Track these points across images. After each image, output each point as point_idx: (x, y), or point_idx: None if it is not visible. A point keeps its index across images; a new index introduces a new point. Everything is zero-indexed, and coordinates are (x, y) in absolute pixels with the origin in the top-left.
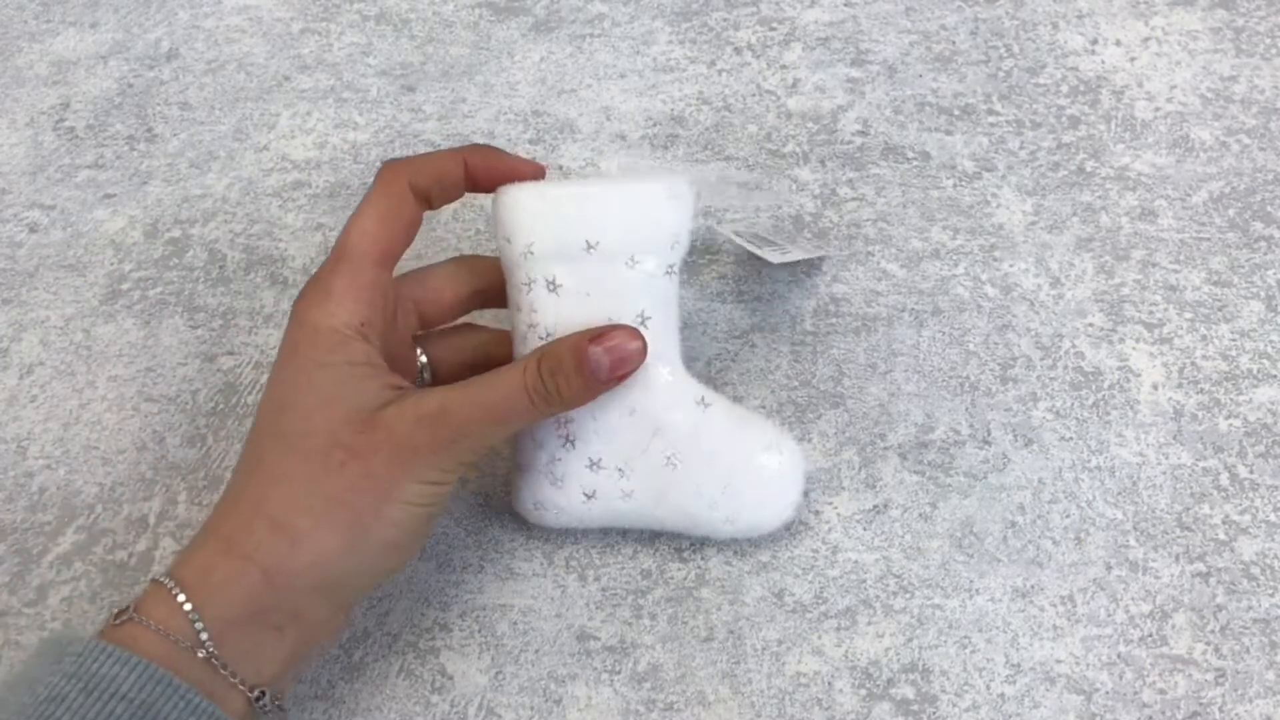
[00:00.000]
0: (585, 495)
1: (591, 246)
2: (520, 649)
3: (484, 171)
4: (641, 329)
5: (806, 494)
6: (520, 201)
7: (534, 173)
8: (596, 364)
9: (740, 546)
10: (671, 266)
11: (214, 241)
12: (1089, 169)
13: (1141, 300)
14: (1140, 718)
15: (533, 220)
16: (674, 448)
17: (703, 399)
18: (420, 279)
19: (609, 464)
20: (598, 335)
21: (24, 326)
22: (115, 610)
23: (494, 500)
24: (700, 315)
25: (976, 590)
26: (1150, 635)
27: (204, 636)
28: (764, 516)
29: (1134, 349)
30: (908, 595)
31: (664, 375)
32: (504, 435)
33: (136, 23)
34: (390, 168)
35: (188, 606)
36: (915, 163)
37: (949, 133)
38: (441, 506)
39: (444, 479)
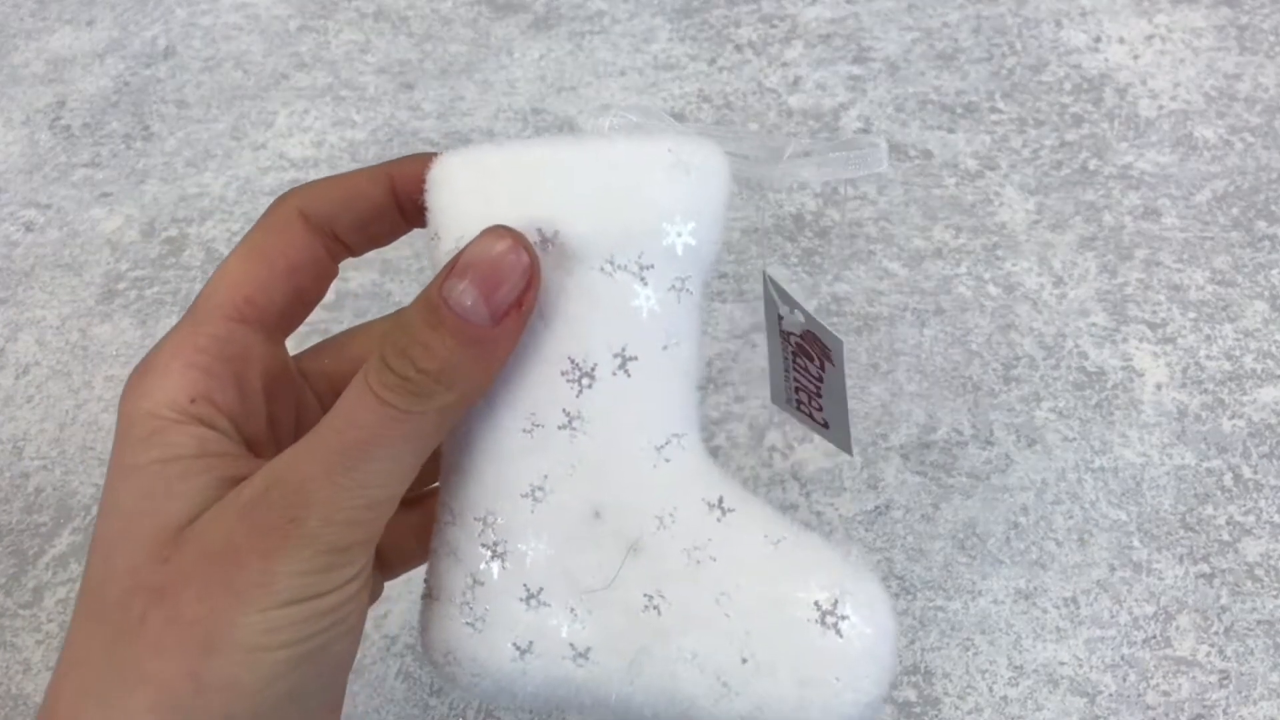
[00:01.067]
0: (517, 649)
1: (548, 239)
2: None
3: (420, 190)
4: (621, 374)
5: (892, 685)
6: (450, 177)
7: None
8: (458, 302)
9: None
10: (681, 281)
11: (211, 240)
12: (1092, 167)
13: (1145, 300)
14: (1144, 719)
15: (467, 202)
16: (661, 581)
17: (720, 501)
18: (338, 346)
19: (555, 598)
20: (449, 267)
21: (20, 326)
22: None
23: None
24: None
25: (979, 592)
26: (1154, 637)
27: None
28: (814, 714)
29: (1137, 349)
30: (910, 597)
31: (650, 457)
32: (375, 489)
33: (133, 20)
34: (281, 196)
35: None
36: (917, 161)
37: (951, 131)
38: (332, 634)
39: (304, 591)
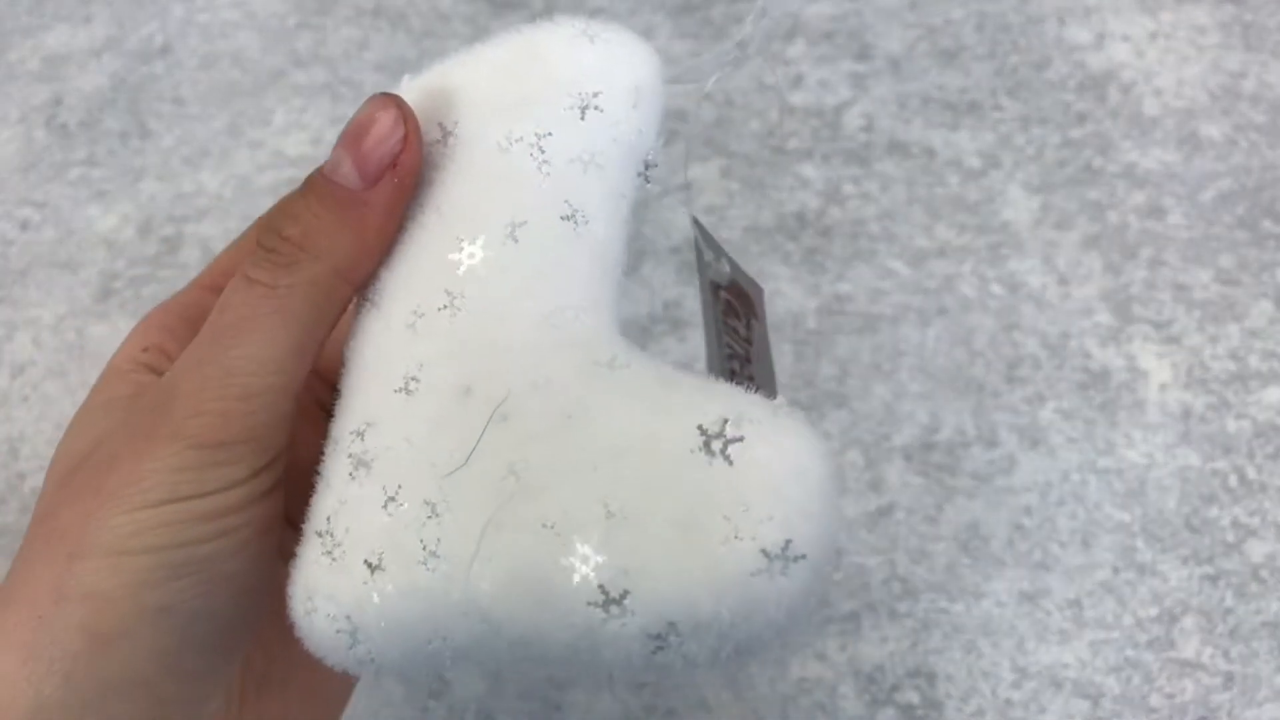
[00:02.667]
0: (368, 566)
1: (448, 132)
2: None
3: None
4: (510, 242)
5: (827, 538)
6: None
7: None
8: (331, 168)
9: None
10: (589, 154)
11: (208, 239)
12: (1096, 166)
13: (1149, 299)
14: None
15: None
16: (525, 446)
17: (613, 360)
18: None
19: (413, 494)
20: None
21: (15, 326)
22: None
23: None
24: (701, 314)
25: (982, 594)
26: (1158, 639)
27: None
28: (701, 589)
29: (1142, 349)
30: (913, 599)
31: (536, 326)
32: (247, 377)
33: (130, 17)
34: (305, 245)
35: None
36: (920, 159)
37: (954, 129)
38: (218, 546)
39: (176, 490)
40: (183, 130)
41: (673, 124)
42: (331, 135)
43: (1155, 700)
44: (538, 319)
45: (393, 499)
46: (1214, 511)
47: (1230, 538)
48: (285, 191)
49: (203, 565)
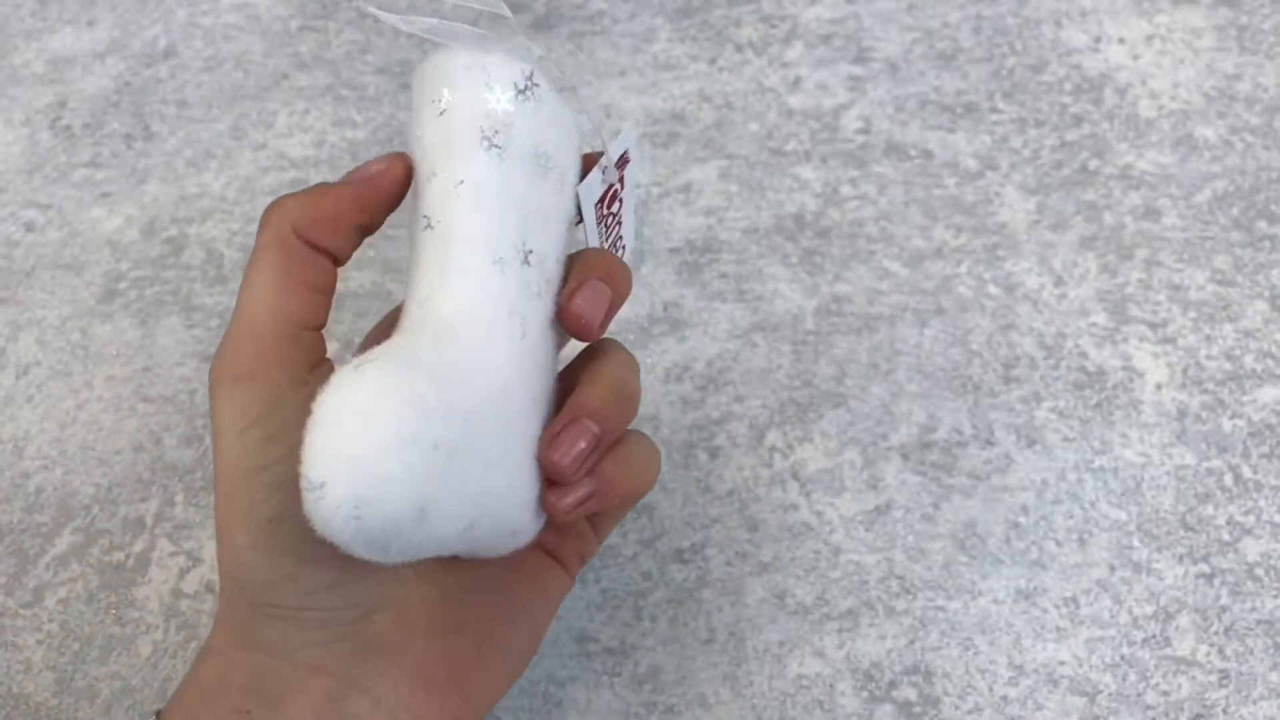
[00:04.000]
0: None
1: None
2: None
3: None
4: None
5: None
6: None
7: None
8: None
9: (742, 548)
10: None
11: (211, 240)
12: (1092, 168)
13: (1145, 300)
14: (1143, 719)
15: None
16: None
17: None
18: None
19: None
20: None
21: (20, 326)
22: None
23: None
24: (700, 314)
25: (979, 592)
26: (1154, 637)
27: None
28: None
29: (1138, 349)
30: (910, 597)
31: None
32: (248, 306)
33: (134, 20)
34: (270, 215)
35: None
36: (918, 161)
37: (952, 131)
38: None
39: (238, 423)
40: (186, 132)
41: (673, 127)
42: (334, 137)
43: (1151, 697)
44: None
45: None
46: (1209, 510)
47: (1226, 536)
48: (288, 193)
49: (290, 475)
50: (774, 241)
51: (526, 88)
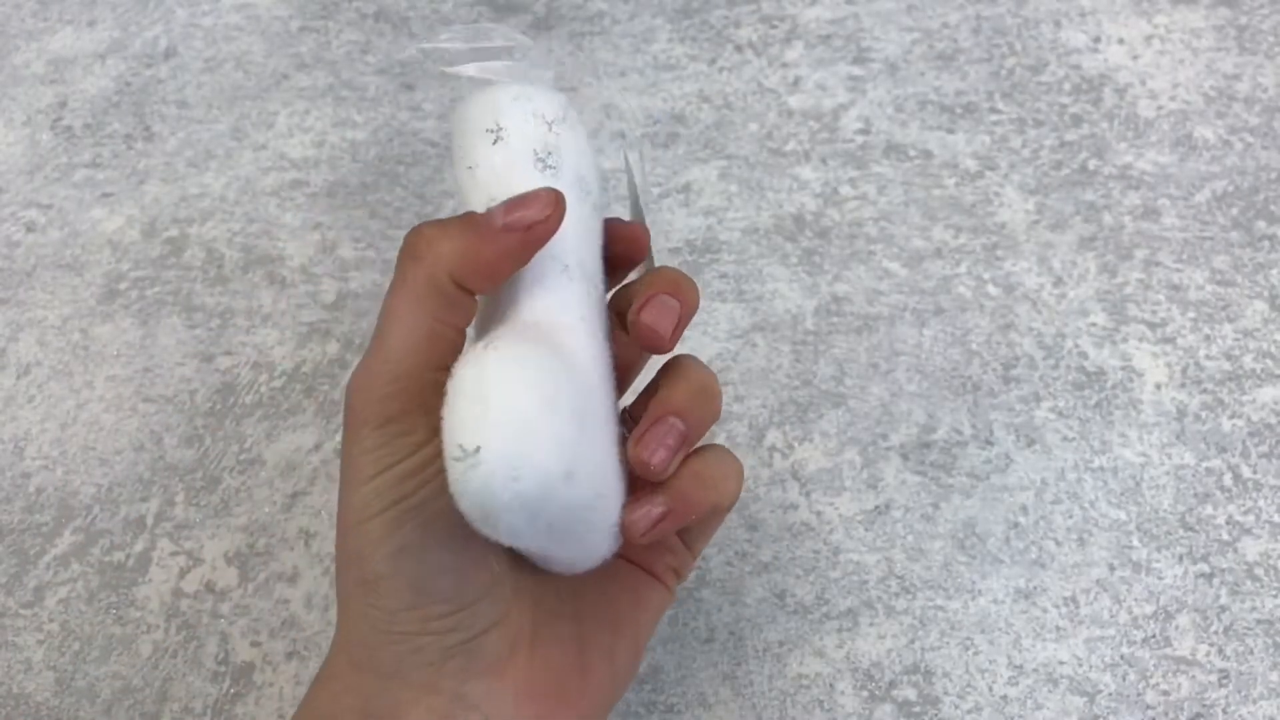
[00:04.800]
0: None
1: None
2: None
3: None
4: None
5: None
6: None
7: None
8: (490, 211)
9: (742, 548)
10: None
11: (212, 241)
12: (1092, 168)
13: (1144, 300)
14: (1143, 719)
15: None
16: None
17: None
18: None
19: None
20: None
21: (21, 326)
22: None
23: None
24: (701, 315)
25: (979, 591)
26: (1153, 636)
27: None
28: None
29: (1137, 349)
30: (910, 596)
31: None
32: (395, 362)
33: (134, 21)
34: (418, 261)
35: None
36: (917, 161)
37: (951, 131)
38: (424, 494)
39: (380, 464)
40: (187, 133)
41: (673, 127)
42: (334, 137)
43: (1151, 697)
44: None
45: None
46: (1209, 510)
47: (1225, 536)
48: (288, 194)
49: (417, 511)
50: (774, 241)
51: (565, 117)
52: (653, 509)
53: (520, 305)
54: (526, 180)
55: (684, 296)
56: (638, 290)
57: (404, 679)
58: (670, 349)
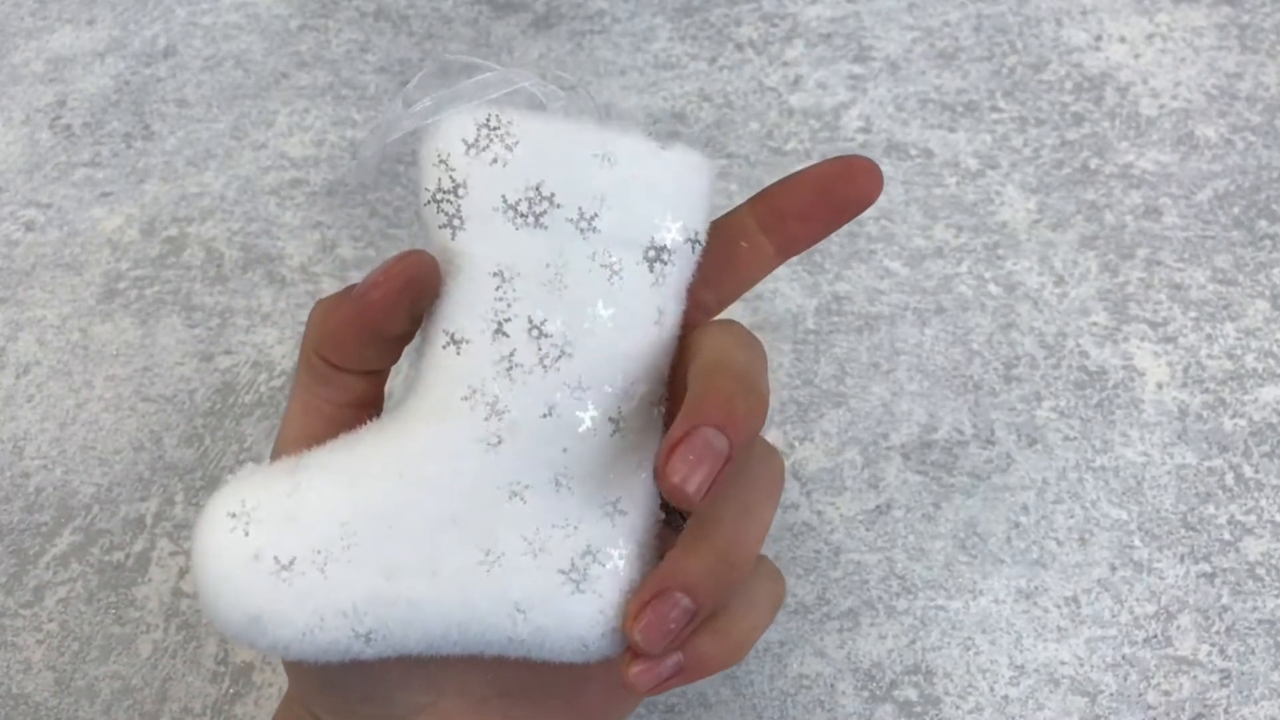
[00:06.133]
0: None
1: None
2: None
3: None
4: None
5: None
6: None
7: None
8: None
9: None
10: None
11: (211, 240)
12: (1093, 166)
13: (1146, 299)
14: (1145, 719)
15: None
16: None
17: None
18: None
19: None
20: None
21: (20, 326)
22: None
23: None
24: None
25: (980, 591)
26: (1155, 636)
27: None
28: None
29: (1138, 348)
30: (911, 596)
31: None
32: (285, 434)
33: (133, 20)
34: (305, 351)
35: None
36: (918, 160)
37: (952, 130)
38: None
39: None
40: (186, 132)
41: (674, 126)
42: (334, 136)
43: (1152, 697)
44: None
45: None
46: (1210, 509)
47: (1227, 535)
48: (288, 193)
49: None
50: None
51: (477, 139)
52: (663, 668)
53: (409, 393)
54: (431, 241)
55: (736, 425)
56: (683, 407)
57: None
58: (703, 507)
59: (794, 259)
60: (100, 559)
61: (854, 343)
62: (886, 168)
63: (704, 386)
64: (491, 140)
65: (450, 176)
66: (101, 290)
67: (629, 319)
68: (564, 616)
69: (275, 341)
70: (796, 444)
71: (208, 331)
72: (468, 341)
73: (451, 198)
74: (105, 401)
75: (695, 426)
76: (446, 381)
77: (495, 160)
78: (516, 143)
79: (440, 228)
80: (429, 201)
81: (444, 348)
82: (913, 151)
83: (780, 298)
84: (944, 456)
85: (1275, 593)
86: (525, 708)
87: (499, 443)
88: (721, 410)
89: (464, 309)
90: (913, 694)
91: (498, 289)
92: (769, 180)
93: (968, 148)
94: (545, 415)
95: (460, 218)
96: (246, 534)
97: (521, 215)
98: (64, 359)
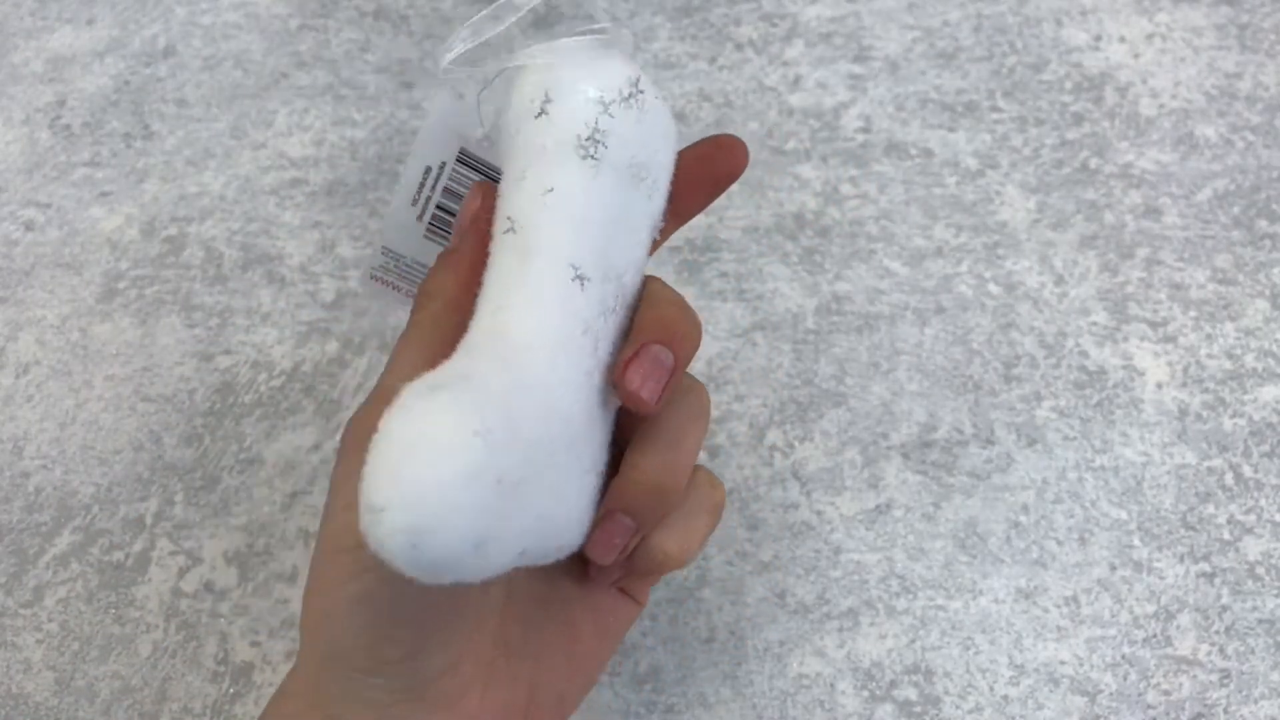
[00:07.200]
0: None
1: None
2: None
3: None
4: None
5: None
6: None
7: None
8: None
9: (742, 547)
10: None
11: (211, 240)
12: (1093, 166)
13: (1146, 298)
14: (1144, 719)
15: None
16: None
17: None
18: None
19: None
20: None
21: (20, 325)
22: None
23: None
24: (701, 314)
25: (980, 591)
26: (1155, 636)
27: None
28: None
29: (1138, 348)
30: (910, 596)
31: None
32: (395, 381)
33: (133, 19)
34: (425, 293)
35: None
36: (918, 160)
37: (952, 130)
38: None
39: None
40: (186, 131)
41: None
42: (333, 136)
43: (1152, 697)
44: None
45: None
46: (1210, 509)
47: (1227, 535)
48: (288, 192)
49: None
50: (774, 240)
51: (631, 94)
52: (614, 572)
53: (510, 313)
54: (562, 166)
55: (680, 345)
56: (631, 331)
57: (354, 709)
58: (658, 412)
59: (794, 259)
60: (100, 559)
61: (854, 342)
62: (887, 167)
63: (649, 312)
64: (635, 100)
65: (605, 119)
66: (101, 290)
67: (644, 262)
68: None
69: (275, 341)
70: (796, 444)
71: (207, 331)
72: (589, 280)
73: (601, 139)
74: (105, 401)
75: (644, 344)
76: (570, 316)
77: (634, 121)
78: (643, 111)
79: (580, 159)
80: (581, 141)
81: (572, 280)
82: (913, 151)
83: (780, 298)
84: (944, 456)
85: (1275, 592)
86: (527, 664)
87: (596, 378)
88: (666, 330)
89: (589, 250)
90: (912, 694)
91: (610, 235)
92: (769, 180)
93: (967, 147)
94: (610, 354)
95: (596, 160)
96: (489, 453)
97: (632, 176)
98: (64, 359)
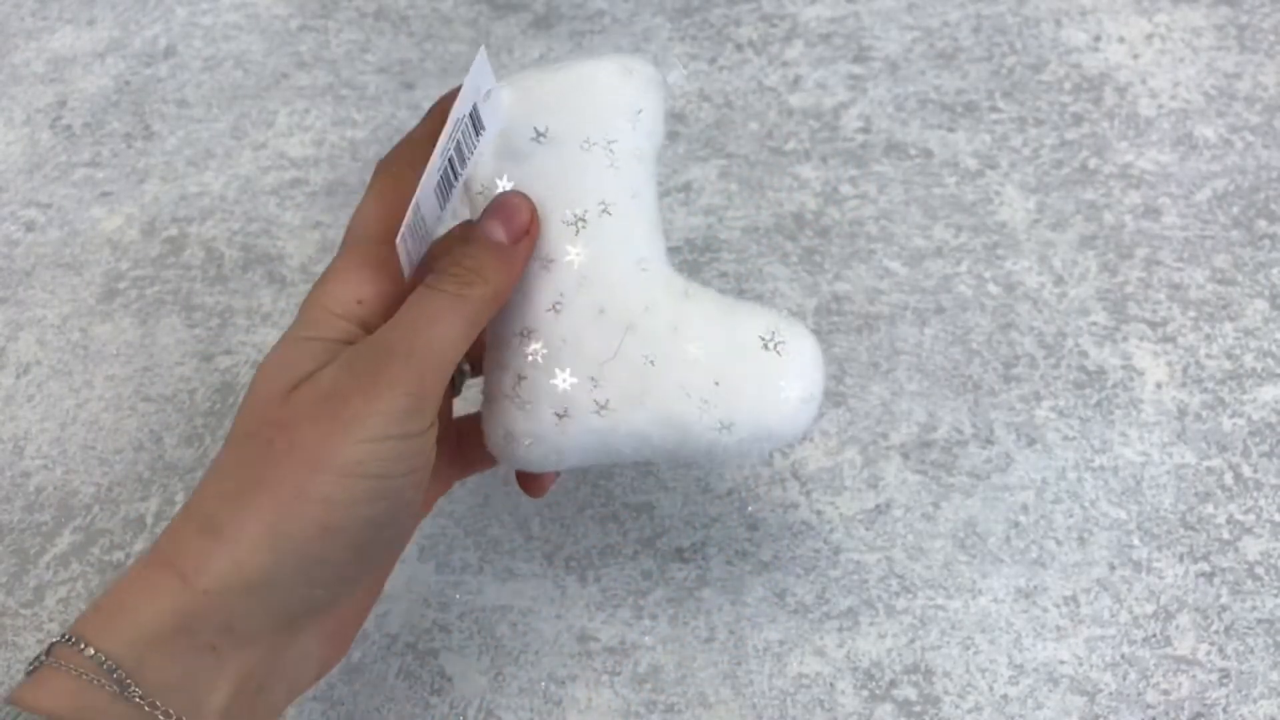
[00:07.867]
0: (556, 415)
1: (540, 135)
2: (520, 650)
3: None
4: (605, 217)
5: (824, 400)
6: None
7: None
8: (491, 228)
9: (742, 547)
10: (639, 150)
11: (211, 240)
12: (1092, 166)
13: (1145, 299)
14: (1144, 719)
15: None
16: (651, 345)
17: (686, 291)
18: None
19: (580, 373)
20: (485, 211)
21: (21, 325)
22: (30, 660)
23: (493, 501)
24: None
25: (979, 591)
26: (1154, 636)
27: (113, 669)
28: (770, 419)
29: (1138, 348)
30: (910, 596)
31: (633, 269)
32: (438, 353)
33: (134, 20)
34: (383, 162)
35: (89, 650)
36: (918, 160)
37: (951, 130)
38: (405, 480)
39: (391, 429)
40: (186, 132)
41: (673, 126)
42: (334, 136)
43: (1151, 696)
44: (632, 265)
45: (565, 376)
46: (1210, 509)
47: (1226, 535)
48: (288, 192)
49: (397, 494)
50: (774, 240)
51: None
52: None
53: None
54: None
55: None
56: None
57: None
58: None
59: (794, 259)
60: (100, 559)
61: (854, 342)
62: (886, 167)
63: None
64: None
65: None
66: (101, 290)
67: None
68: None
69: (275, 341)
70: (796, 443)
71: (208, 331)
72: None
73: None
74: (105, 401)
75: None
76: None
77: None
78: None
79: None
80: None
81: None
82: (912, 151)
83: (780, 298)
84: (943, 456)
85: (1274, 592)
86: (373, 590)
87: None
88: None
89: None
90: (912, 693)
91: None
92: (769, 180)
93: (967, 148)
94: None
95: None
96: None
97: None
98: (64, 359)
